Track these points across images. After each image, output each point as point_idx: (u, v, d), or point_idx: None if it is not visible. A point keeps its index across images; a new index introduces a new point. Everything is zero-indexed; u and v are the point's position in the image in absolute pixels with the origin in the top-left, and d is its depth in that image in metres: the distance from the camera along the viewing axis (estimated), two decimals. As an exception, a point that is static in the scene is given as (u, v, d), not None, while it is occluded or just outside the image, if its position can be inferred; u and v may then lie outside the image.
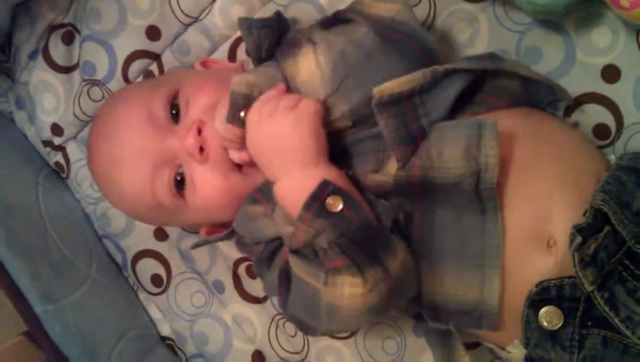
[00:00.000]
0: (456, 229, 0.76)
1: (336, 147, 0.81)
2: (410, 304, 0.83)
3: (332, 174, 0.77)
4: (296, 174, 0.77)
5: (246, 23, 0.89)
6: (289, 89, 0.82)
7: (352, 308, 0.73)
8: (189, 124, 0.84)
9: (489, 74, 0.81)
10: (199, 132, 0.83)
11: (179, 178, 0.86)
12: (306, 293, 0.77)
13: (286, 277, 0.80)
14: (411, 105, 0.77)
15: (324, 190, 0.74)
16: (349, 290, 0.72)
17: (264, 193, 0.84)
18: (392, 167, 0.78)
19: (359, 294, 0.72)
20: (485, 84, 0.81)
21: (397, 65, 0.79)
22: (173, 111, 0.87)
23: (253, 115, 0.79)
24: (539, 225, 0.75)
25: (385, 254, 0.74)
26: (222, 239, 0.94)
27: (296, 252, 0.77)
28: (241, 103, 0.80)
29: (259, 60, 0.89)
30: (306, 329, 0.82)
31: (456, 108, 0.79)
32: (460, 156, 0.74)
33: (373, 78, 0.77)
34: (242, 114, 0.80)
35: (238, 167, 0.85)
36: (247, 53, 1.00)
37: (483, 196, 0.74)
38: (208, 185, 0.85)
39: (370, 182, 0.79)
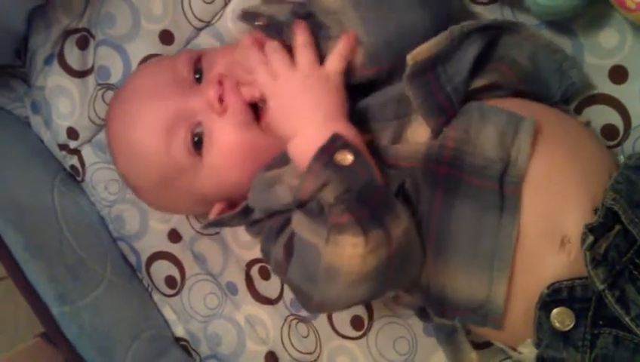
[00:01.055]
0: (473, 225, 0.76)
1: (358, 115, 0.81)
2: (417, 295, 0.83)
3: (348, 131, 0.77)
4: (312, 128, 0.77)
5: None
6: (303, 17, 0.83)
7: (350, 270, 0.72)
8: (209, 80, 0.85)
9: (501, 34, 0.82)
10: (220, 84, 0.84)
11: (196, 138, 0.86)
12: (307, 255, 0.76)
13: (290, 247, 0.79)
14: (434, 74, 0.78)
15: (334, 143, 0.75)
16: (349, 250, 0.71)
17: (279, 160, 0.84)
18: (413, 134, 0.79)
19: (359, 255, 0.71)
20: (497, 51, 0.82)
21: None
22: (197, 76, 0.88)
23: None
24: (553, 223, 0.75)
25: (389, 218, 0.74)
26: (234, 218, 0.91)
27: (301, 207, 0.77)
28: (252, 16, 0.86)
29: None
30: (302, 297, 0.81)
31: (472, 74, 0.80)
32: (495, 141, 0.75)
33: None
34: (257, 22, 0.85)
35: (258, 121, 0.85)
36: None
37: (505, 192, 0.75)
38: (228, 139, 0.85)
39: (398, 152, 0.79)
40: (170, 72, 0.88)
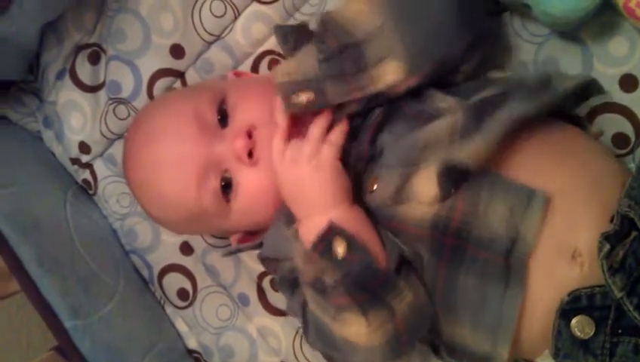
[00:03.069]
0: (478, 296, 0.76)
1: (373, 152, 0.82)
2: (429, 335, 0.84)
3: (349, 216, 0.79)
4: (316, 217, 0.79)
5: (282, 31, 0.91)
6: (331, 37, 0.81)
7: (362, 345, 0.76)
8: (238, 129, 0.85)
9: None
10: (250, 135, 0.84)
11: (224, 183, 0.87)
12: (320, 327, 0.80)
13: (305, 315, 0.83)
14: None
15: (329, 232, 0.76)
16: (355, 328, 0.75)
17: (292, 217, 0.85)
18: (418, 187, 0.77)
19: (363, 333, 0.75)
20: None
21: None
22: (219, 117, 0.87)
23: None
24: (565, 244, 0.74)
25: (390, 296, 0.76)
26: (254, 248, 0.94)
27: (308, 283, 0.80)
28: (290, 90, 0.81)
29: None
30: (330, 359, 0.86)
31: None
32: (503, 215, 0.74)
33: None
34: (296, 99, 0.80)
35: None
36: (270, 69, 1.02)
37: (511, 265, 0.75)
38: (257, 186, 0.86)
39: (406, 217, 0.78)
40: (192, 112, 0.87)
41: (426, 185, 0.77)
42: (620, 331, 0.73)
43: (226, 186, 0.87)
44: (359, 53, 0.79)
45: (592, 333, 0.73)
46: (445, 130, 0.77)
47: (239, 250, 0.98)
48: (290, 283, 0.87)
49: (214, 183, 0.87)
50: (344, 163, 0.81)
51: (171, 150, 0.87)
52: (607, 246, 0.71)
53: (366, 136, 0.82)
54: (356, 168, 0.83)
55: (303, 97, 0.80)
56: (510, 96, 0.78)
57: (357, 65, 0.79)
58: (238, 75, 0.99)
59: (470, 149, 0.74)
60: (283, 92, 0.81)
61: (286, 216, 0.85)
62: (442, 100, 0.81)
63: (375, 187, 0.81)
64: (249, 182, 0.86)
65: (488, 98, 0.78)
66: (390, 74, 0.79)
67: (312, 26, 0.93)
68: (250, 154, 0.84)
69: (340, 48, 0.80)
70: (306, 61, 0.81)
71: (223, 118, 0.87)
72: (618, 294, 0.71)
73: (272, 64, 1.03)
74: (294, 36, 0.90)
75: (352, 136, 0.83)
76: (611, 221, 0.73)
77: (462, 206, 0.76)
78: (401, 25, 0.79)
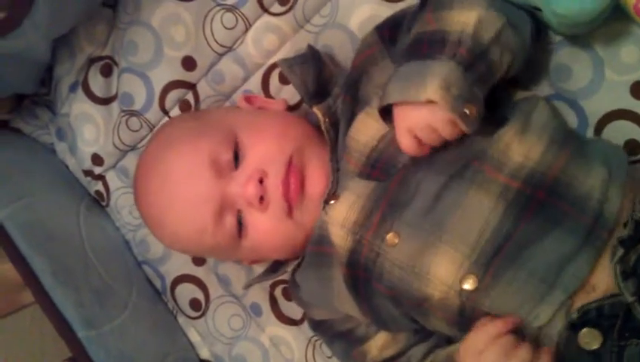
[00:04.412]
0: None
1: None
2: None
3: None
4: None
5: (286, 64, 0.92)
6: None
7: None
8: (249, 172, 0.87)
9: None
10: (261, 181, 0.86)
11: (238, 220, 0.89)
12: None
13: None
14: None
15: None
16: None
17: None
18: (437, 267, 0.77)
19: None
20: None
21: None
22: (233, 157, 0.88)
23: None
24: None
25: None
26: (273, 279, 1.00)
27: None
28: (460, 106, 0.74)
29: (307, 95, 0.91)
30: None
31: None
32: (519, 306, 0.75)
33: None
34: (467, 110, 0.74)
35: (290, 213, 0.87)
36: (281, 81, 1.02)
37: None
38: (264, 231, 0.88)
39: (437, 297, 0.78)
40: (207, 155, 0.88)
41: (444, 264, 0.77)
42: (627, 334, 0.73)
43: (239, 223, 0.89)
44: (488, 56, 0.78)
45: (599, 345, 0.74)
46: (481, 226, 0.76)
47: (260, 281, 1.00)
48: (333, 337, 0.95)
49: (231, 221, 0.89)
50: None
51: (188, 192, 0.88)
52: (621, 251, 0.72)
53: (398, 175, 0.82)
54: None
55: (467, 110, 0.75)
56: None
57: (489, 67, 0.78)
58: (248, 100, 1.00)
59: None
60: (457, 111, 0.74)
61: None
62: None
63: (397, 241, 0.80)
64: (260, 225, 0.88)
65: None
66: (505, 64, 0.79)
67: (319, 45, 0.97)
68: (261, 198, 0.86)
69: (475, 55, 0.76)
70: (446, 73, 0.75)
71: (236, 157, 0.88)
72: (630, 299, 0.72)
73: (282, 75, 1.02)
74: (299, 66, 0.92)
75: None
76: (624, 226, 0.74)
77: (476, 296, 0.77)
78: (512, 23, 0.79)
